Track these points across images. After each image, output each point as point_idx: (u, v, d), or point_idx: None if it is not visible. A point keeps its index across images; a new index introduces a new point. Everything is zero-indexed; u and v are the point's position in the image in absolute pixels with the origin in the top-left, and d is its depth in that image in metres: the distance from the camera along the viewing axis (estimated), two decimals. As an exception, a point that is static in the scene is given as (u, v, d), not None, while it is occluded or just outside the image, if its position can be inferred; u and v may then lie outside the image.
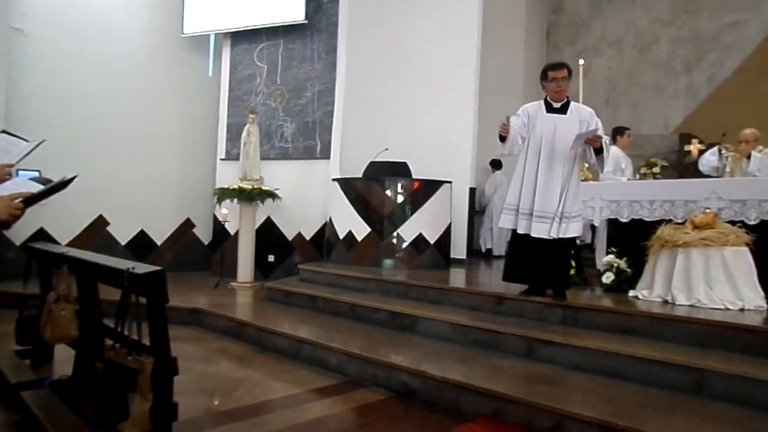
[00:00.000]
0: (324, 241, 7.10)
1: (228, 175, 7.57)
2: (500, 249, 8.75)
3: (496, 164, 8.83)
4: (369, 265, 6.24)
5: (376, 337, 4.30)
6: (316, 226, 7.45)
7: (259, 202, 6.90)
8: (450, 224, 6.70)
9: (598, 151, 4.08)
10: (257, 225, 7.19)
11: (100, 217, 7.57)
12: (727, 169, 5.12)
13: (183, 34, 8.07)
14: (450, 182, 6.64)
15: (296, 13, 7.47)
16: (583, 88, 6.02)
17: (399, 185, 6.39)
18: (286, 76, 7.79)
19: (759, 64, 8.14)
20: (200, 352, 4.57)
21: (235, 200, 6.83)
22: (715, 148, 5.44)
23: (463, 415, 3.14)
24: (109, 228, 7.64)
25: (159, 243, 8.05)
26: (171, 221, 8.19)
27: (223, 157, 8.09)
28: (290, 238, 7.60)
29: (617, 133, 6.60)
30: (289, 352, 4.37)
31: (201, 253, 8.34)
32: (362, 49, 7.55)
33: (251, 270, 6.93)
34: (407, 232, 6.34)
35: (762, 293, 3.91)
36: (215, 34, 8.30)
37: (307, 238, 7.51)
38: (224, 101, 8.18)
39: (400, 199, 6.39)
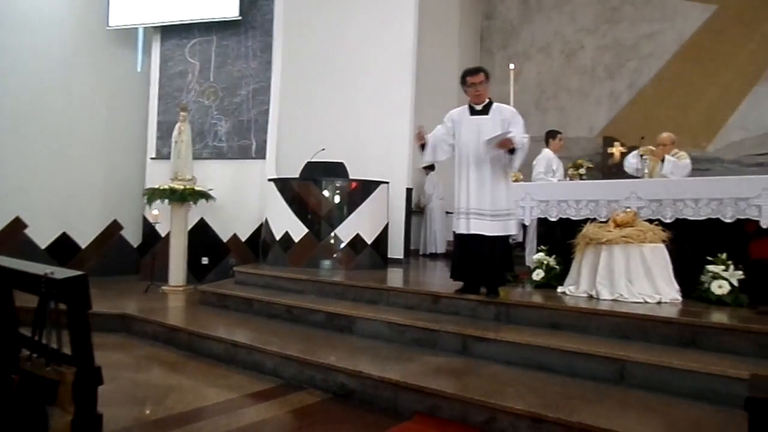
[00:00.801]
0: (260, 243, 6.98)
1: (159, 175, 7.28)
2: (439, 248, 8.94)
3: (429, 166, 8.98)
4: (306, 266, 6.19)
5: (314, 339, 4.27)
6: (251, 228, 7.30)
7: (191, 202, 6.68)
8: (387, 224, 6.75)
9: (513, 151, 4.18)
10: (190, 226, 6.96)
11: (17, 219, 7.09)
12: (646, 171, 5.44)
13: (108, 26, 7.69)
14: (387, 183, 6.69)
15: (230, 9, 7.29)
16: (514, 92, 6.23)
17: (336, 185, 6.38)
18: (219, 74, 7.59)
19: (675, 73, 8.70)
20: (129, 359, 4.38)
21: (166, 201, 6.58)
22: (637, 151, 5.77)
23: (400, 414, 3.17)
24: (27, 231, 7.17)
25: (83, 246, 7.64)
26: (96, 223, 7.78)
27: (154, 156, 7.78)
28: (225, 240, 7.41)
29: (549, 136, 6.88)
30: (224, 357, 4.26)
31: (130, 256, 7.98)
32: (298, 47, 7.47)
33: (183, 273, 6.70)
34: (344, 232, 6.34)
35: (677, 287, 4.19)
36: (144, 28, 7.97)
37: (243, 240, 7.35)
38: (154, 98, 7.85)
39: (337, 199, 6.37)
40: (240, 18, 7.30)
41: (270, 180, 6.71)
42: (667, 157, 5.70)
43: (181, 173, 6.65)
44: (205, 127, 7.58)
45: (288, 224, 6.41)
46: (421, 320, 4.14)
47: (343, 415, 3.22)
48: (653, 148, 5.67)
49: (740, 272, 4.02)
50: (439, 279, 5.71)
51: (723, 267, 4.07)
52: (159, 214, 6.67)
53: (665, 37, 8.80)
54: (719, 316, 3.60)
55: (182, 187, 6.51)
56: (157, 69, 7.86)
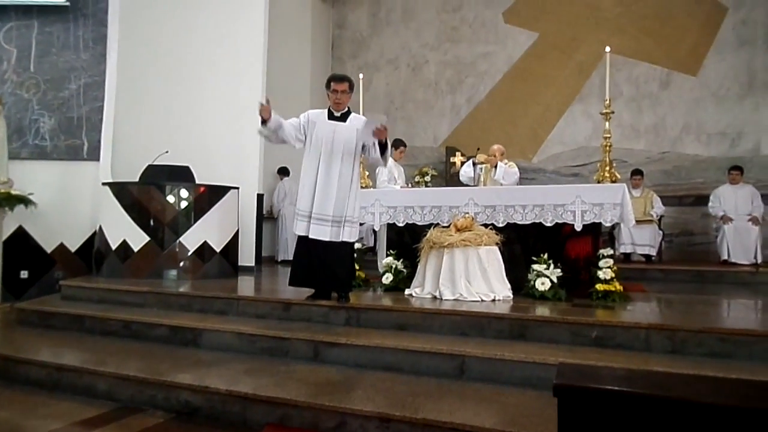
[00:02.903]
0: (93, 253, 6.34)
1: (-37, 177, 6.27)
2: (290, 254, 8.85)
3: (283, 171, 8.89)
4: (147, 278, 5.76)
5: (155, 355, 3.98)
6: (83, 237, 6.61)
7: (6, 208, 5.86)
8: (237, 231, 6.53)
9: (383, 148, 4.34)
10: (5, 236, 6.09)
11: None
12: (481, 179, 5.93)
13: None
14: (237, 188, 6.48)
15: (55, -7, 6.56)
16: (364, 101, 6.40)
17: (181, 191, 6.02)
18: (42, 64, 6.77)
19: (505, 90, 9.61)
20: None
21: (-27, 207, 5.70)
22: (470, 161, 6.27)
23: (250, 427, 3.08)
24: None
25: None
26: None
27: (-44, 154, 6.68)
28: (49, 251, 6.61)
29: (393, 145, 7.17)
30: (47, 383, 3.79)
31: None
32: (137, 39, 6.95)
33: (-4, 290, 5.85)
34: (191, 240, 6.01)
35: (508, 285, 4.62)
36: (-57, 6, 6.84)
37: (72, 250, 6.62)
38: (-43, 87, 6.77)
39: (182, 205, 6.02)
40: (68, 4, 6.59)
41: (105, 184, 6.13)
42: (499, 163, 6.26)
43: (-7, 175, 5.81)
44: (24, 123, 6.71)
45: (126, 232, 5.91)
46: (272, 329, 4.06)
47: (188, 435, 3.05)
48: (487, 156, 6.20)
49: (559, 270, 4.56)
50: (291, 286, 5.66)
51: (545, 266, 4.58)
52: (-37, 222, 5.76)
53: (498, 57, 9.69)
54: (542, 310, 4.03)
55: (-6, 191, 5.69)
56: (-40, 54, 6.79)
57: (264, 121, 4.23)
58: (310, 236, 4.28)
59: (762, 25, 8.03)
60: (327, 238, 4.27)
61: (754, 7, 8.10)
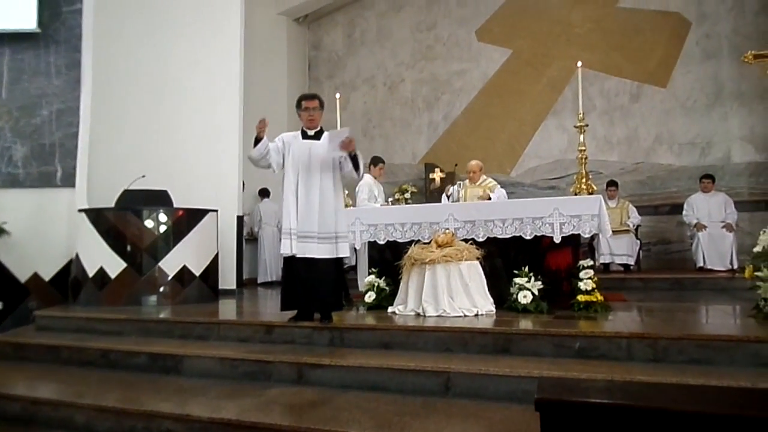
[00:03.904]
0: (69, 282, 6.20)
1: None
2: (273, 276, 8.78)
3: (264, 193, 8.86)
4: (126, 305, 5.65)
5: (135, 385, 3.88)
6: (58, 265, 6.45)
7: (-23, 239, 5.73)
8: (217, 254, 6.45)
9: (354, 160, 4.33)
10: (-24, 267, 5.94)
11: None
12: (461, 195, 5.98)
13: None
14: (215, 211, 6.42)
15: (26, 20, 6.50)
16: (341, 120, 6.44)
17: (159, 215, 5.94)
18: (13, 91, 6.67)
19: (481, 106, 9.75)
20: None
21: (-57, 238, 5.56)
22: (457, 184, 6.30)
23: (234, 454, 3.02)
24: None
25: None
26: None
27: (-75, 185, 6.53)
28: (23, 281, 6.44)
29: (371, 163, 7.20)
30: (22, 417, 3.67)
31: None
32: (112, 65, 6.91)
33: (-32, 323, 5.68)
34: (170, 264, 5.92)
35: (491, 299, 4.63)
36: None
37: (47, 279, 6.45)
38: (-75, 117, 6.63)
39: (161, 229, 5.94)
40: (39, 31, 6.53)
41: (80, 211, 6.03)
42: (496, 189, 6.23)
43: (-37, 205, 5.68)
44: (-5, 152, 6.58)
45: (103, 259, 5.80)
46: (255, 352, 4.00)
47: (170, 465, 2.97)
48: (470, 174, 6.25)
49: (540, 283, 4.59)
50: (273, 308, 5.59)
51: (526, 279, 4.61)
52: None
53: (472, 74, 9.84)
54: (525, 323, 4.05)
55: (-35, 221, 5.56)
56: (-70, 83, 6.66)
57: (257, 141, 4.29)
58: (296, 253, 4.25)
59: (725, 38, 8.30)
60: (313, 255, 4.24)
61: (716, 22, 8.38)
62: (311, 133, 4.46)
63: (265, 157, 4.39)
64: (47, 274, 6.46)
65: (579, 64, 5.42)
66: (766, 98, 7.84)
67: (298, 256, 4.26)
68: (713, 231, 7.40)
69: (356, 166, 4.36)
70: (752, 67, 5.21)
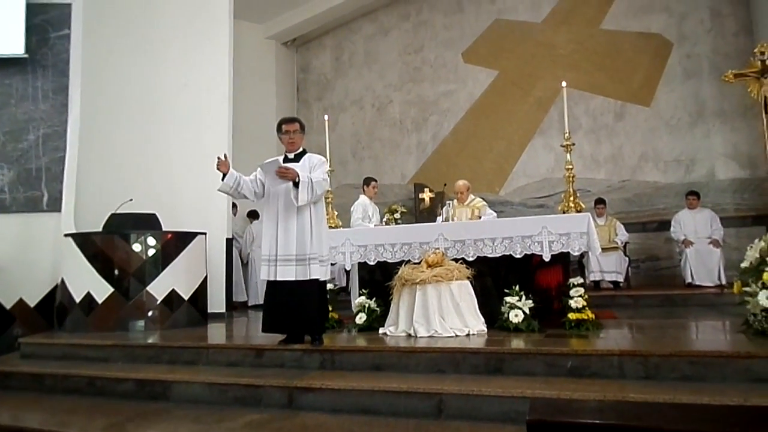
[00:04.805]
0: (55, 308, 6.11)
1: None
2: (261, 299, 8.70)
3: (253, 214, 8.83)
4: (113, 330, 5.56)
5: (122, 412, 3.80)
6: (43, 291, 6.35)
7: (-39, 266, 5.63)
8: (206, 277, 6.40)
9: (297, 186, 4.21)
10: (-41, 294, 5.84)
11: None
12: (451, 214, 5.99)
13: None
14: (204, 233, 6.38)
15: (14, 46, 6.50)
16: (330, 141, 6.46)
17: (147, 238, 5.90)
18: (0, 116, 6.64)
19: (469, 126, 9.84)
20: None
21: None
22: (447, 204, 6.32)
23: (223, 483, 2.95)
24: None
25: None
26: None
27: None
28: (8, 307, 6.32)
29: (364, 183, 7.23)
30: (5, 449, 3.58)
31: None
32: (100, 89, 6.91)
33: (-50, 351, 5.55)
34: (158, 289, 5.85)
35: (482, 319, 4.61)
36: None
37: (32, 305, 6.34)
38: None
39: (149, 253, 5.88)
40: (26, 56, 6.53)
41: (67, 235, 5.97)
42: (486, 210, 6.25)
43: (-53, 231, 5.60)
44: (-19, 177, 6.52)
45: (90, 284, 5.73)
46: (244, 377, 3.95)
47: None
48: (458, 194, 6.28)
49: (530, 301, 4.58)
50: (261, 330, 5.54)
51: (517, 298, 4.60)
52: None
53: (459, 95, 9.95)
54: (517, 343, 4.03)
55: (-52, 247, 5.47)
56: None
57: (224, 176, 4.35)
58: (276, 277, 4.26)
59: (705, 58, 8.48)
60: (293, 278, 4.24)
61: (696, 43, 8.57)
62: (291, 156, 4.50)
63: (237, 190, 4.42)
64: (32, 300, 6.36)
65: (564, 84, 5.51)
66: (748, 116, 7.98)
67: (277, 279, 4.26)
68: (700, 247, 7.46)
69: (296, 195, 4.18)
70: (733, 86, 5.31)
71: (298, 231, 4.30)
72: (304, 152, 4.54)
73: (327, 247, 4.54)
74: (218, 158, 4.36)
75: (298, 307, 4.25)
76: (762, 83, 4.51)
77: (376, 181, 7.36)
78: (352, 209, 6.83)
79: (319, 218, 4.44)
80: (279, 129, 4.51)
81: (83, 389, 4.35)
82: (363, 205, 6.87)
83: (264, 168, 4.31)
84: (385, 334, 4.68)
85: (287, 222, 4.32)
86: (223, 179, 4.38)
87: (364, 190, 7.15)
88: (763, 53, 4.54)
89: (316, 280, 4.32)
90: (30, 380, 4.60)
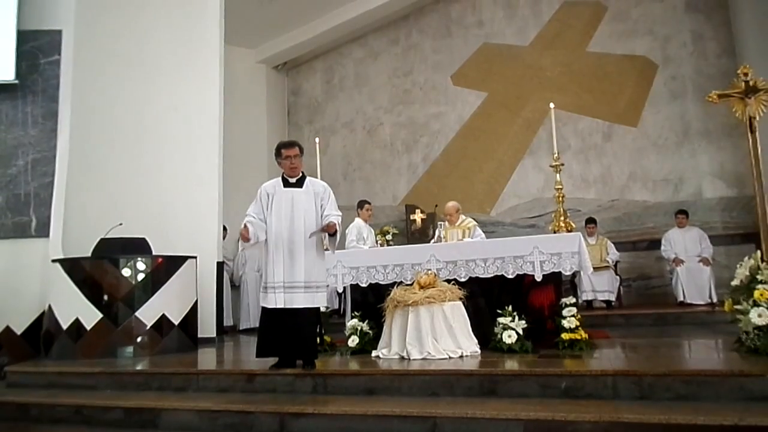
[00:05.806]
0: (42, 335, 6.00)
1: None
2: (253, 322, 8.61)
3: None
4: (101, 357, 5.46)
5: (109, 442, 3.73)
6: (30, 318, 6.23)
7: (-54, 293, 5.54)
8: (196, 302, 6.32)
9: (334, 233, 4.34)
10: (-56, 322, 5.72)
11: None
12: (442, 235, 5.99)
13: None
14: (195, 257, 6.33)
15: (4, 72, 6.49)
16: (321, 164, 6.47)
17: (137, 263, 5.84)
18: (-11, 142, 6.60)
19: (459, 148, 9.91)
20: None
21: None
22: (439, 226, 6.32)
23: None
24: None
25: None
26: None
27: None
28: (-6, 335, 6.22)
29: (358, 206, 7.25)
30: (-12, 482, 3.48)
31: None
32: (89, 115, 6.90)
33: (-68, 381, 5.41)
34: (148, 314, 5.77)
35: (475, 340, 4.59)
36: None
37: (18, 333, 6.22)
38: None
39: (139, 278, 5.82)
40: (17, 82, 6.53)
41: (55, 260, 5.90)
42: (475, 230, 6.25)
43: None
44: (-32, 203, 6.45)
45: (78, 310, 5.64)
46: (235, 403, 3.88)
47: None
48: (448, 216, 6.28)
49: (523, 322, 4.57)
50: (254, 355, 5.46)
51: (510, 318, 4.59)
52: None
53: (449, 117, 10.04)
54: (511, 364, 4.01)
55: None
56: None
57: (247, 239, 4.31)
58: (284, 305, 4.20)
59: (689, 80, 8.64)
60: (301, 305, 4.21)
61: (680, 65, 8.73)
62: (293, 180, 4.45)
63: (259, 236, 4.35)
64: (19, 328, 6.23)
65: (552, 105, 5.58)
66: (733, 135, 8.10)
67: (285, 307, 4.20)
68: (691, 265, 7.50)
69: (330, 242, 4.37)
70: (717, 106, 5.39)
71: (307, 259, 4.28)
72: (304, 176, 4.50)
73: (325, 273, 4.53)
74: (241, 233, 4.33)
75: (298, 333, 4.21)
76: (746, 103, 4.58)
77: (369, 203, 7.38)
78: (346, 231, 6.83)
79: (320, 244, 4.43)
80: (278, 154, 4.43)
81: (70, 418, 4.24)
82: (358, 228, 6.90)
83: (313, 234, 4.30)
84: (377, 356, 4.64)
85: (293, 246, 4.28)
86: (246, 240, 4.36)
87: (358, 213, 7.16)
88: (746, 74, 4.61)
89: (318, 306, 4.31)
90: (14, 410, 4.48)
